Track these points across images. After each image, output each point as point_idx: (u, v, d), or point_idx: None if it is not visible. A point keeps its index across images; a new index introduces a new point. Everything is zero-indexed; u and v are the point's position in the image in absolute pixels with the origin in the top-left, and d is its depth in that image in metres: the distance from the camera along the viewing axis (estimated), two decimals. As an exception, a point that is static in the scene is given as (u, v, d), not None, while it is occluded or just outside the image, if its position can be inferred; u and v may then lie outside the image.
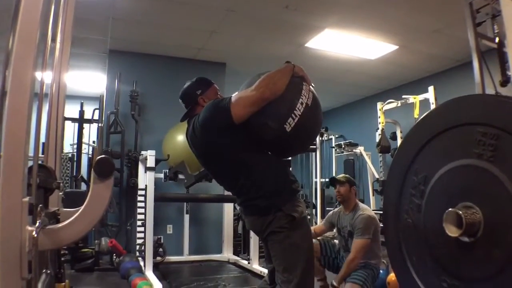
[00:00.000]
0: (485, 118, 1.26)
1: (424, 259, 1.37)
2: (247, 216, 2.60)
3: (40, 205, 1.20)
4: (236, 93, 2.47)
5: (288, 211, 2.40)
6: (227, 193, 6.52)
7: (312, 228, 4.22)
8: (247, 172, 2.48)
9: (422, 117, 1.53)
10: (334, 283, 3.93)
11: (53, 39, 2.04)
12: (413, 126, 1.55)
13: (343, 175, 4.44)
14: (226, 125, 2.38)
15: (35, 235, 1.09)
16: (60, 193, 2.09)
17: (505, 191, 1.15)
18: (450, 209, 1.25)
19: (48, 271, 1.37)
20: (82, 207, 1.17)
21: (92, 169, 1.13)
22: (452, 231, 1.22)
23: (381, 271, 4.92)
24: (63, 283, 1.78)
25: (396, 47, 6.62)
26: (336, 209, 4.47)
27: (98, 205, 1.16)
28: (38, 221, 1.15)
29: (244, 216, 2.67)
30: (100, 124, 6.33)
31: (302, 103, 2.36)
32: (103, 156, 1.15)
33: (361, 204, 4.28)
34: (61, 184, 1.67)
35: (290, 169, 2.81)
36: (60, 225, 1.16)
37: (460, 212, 1.20)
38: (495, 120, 1.23)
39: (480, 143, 1.25)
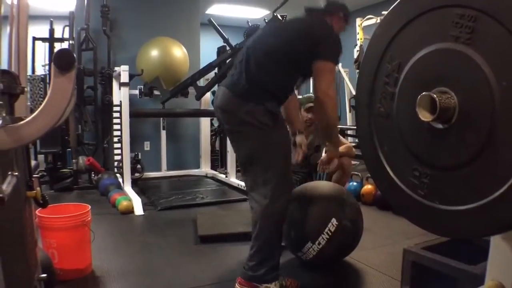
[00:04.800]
0: (462, -1, 1.20)
1: (396, 149, 1.35)
2: (225, 86, 2.61)
3: (0, 102, 1.15)
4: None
5: (270, 107, 2.47)
6: (203, 107, 6.52)
7: None
8: (276, 75, 2.54)
9: (397, 1, 1.45)
10: None
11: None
12: (387, 12, 1.48)
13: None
14: (312, 55, 2.51)
15: (-5, 133, 1.05)
16: (28, 103, 2.02)
17: (481, 74, 1.12)
18: (424, 92, 1.22)
19: (15, 173, 1.33)
20: (44, 102, 1.12)
21: (52, 63, 1.07)
22: (425, 116, 1.19)
23: (355, 183, 5.06)
24: (34, 191, 1.75)
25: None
26: None
27: (60, 99, 1.10)
28: (-2, 119, 1.10)
29: (221, 86, 2.67)
30: (70, 42, 6.11)
31: None
32: (62, 48, 1.08)
33: None
34: (25, 89, 1.60)
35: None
36: (22, 122, 1.11)
37: (435, 96, 1.17)
38: (473, 0, 1.16)
39: (457, 25, 1.20)
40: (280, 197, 2.49)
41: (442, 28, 1.25)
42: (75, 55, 1.08)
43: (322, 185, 3.19)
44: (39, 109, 1.11)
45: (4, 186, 1.19)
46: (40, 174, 5.94)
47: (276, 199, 2.47)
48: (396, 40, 1.39)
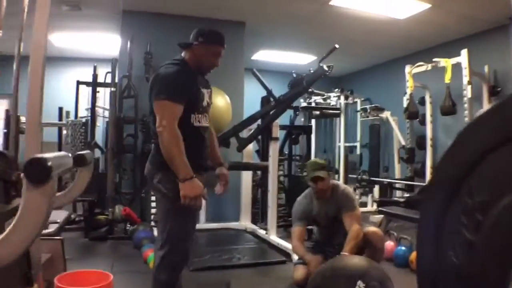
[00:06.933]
0: None
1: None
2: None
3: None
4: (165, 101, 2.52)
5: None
6: (245, 159, 6.30)
7: (294, 237, 3.96)
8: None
9: (486, 110, 1.00)
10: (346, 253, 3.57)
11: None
12: (471, 122, 1.01)
13: (320, 164, 3.99)
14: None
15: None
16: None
17: None
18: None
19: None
20: (12, 223, 0.89)
21: (23, 173, 0.84)
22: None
23: (403, 247, 4.62)
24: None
25: (428, 5, 6.12)
26: (302, 200, 4.07)
27: (33, 218, 0.87)
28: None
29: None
30: (112, 89, 6.07)
31: None
32: (36, 156, 0.84)
33: (333, 182, 4.03)
34: (21, 175, 1.40)
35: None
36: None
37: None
38: None
39: None
40: (170, 260, 2.61)
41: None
42: (50, 165, 0.84)
43: (345, 256, 3.33)
44: (7, 230, 0.88)
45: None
46: (76, 218, 5.88)
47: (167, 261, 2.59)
48: (483, 167, 0.98)
